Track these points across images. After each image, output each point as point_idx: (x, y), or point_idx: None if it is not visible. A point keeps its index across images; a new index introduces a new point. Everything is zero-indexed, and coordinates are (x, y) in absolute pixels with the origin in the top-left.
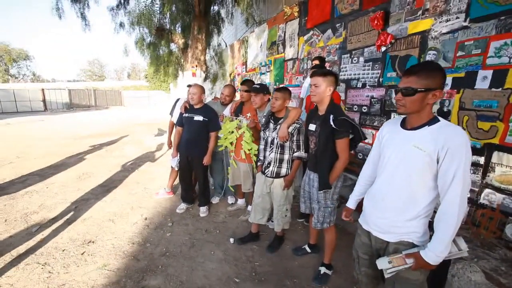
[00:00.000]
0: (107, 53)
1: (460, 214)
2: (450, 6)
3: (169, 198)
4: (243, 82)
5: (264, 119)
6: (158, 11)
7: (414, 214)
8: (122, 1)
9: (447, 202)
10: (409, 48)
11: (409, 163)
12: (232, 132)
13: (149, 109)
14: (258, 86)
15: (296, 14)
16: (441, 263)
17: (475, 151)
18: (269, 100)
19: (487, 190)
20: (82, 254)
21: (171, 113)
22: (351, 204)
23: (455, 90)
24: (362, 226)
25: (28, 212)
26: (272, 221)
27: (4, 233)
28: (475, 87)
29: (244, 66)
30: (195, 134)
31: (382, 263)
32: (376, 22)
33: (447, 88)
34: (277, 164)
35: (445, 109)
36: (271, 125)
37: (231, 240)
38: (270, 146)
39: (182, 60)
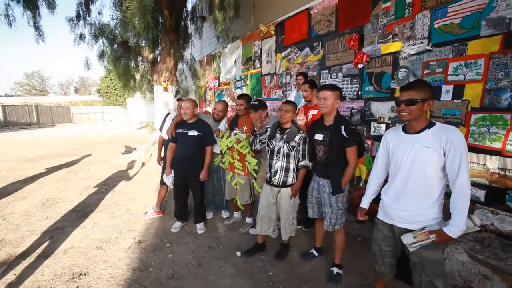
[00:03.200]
0: (48, 65)
1: (469, 193)
2: (415, 32)
3: (159, 217)
4: (240, 97)
5: (269, 129)
6: (120, 24)
7: (433, 201)
8: (82, 12)
9: (459, 185)
10: (383, 66)
11: (422, 160)
12: (231, 147)
13: (105, 125)
14: (256, 103)
15: (272, 32)
16: None
17: None
18: (267, 114)
19: None
20: None
21: (161, 129)
22: (365, 204)
23: None
24: (384, 221)
25: None
26: (274, 231)
27: None
28: (441, 99)
29: (217, 81)
30: (190, 150)
31: (407, 239)
32: (352, 42)
33: None
34: (284, 173)
35: None
36: (278, 135)
37: (238, 253)
38: (277, 155)
39: (151, 75)
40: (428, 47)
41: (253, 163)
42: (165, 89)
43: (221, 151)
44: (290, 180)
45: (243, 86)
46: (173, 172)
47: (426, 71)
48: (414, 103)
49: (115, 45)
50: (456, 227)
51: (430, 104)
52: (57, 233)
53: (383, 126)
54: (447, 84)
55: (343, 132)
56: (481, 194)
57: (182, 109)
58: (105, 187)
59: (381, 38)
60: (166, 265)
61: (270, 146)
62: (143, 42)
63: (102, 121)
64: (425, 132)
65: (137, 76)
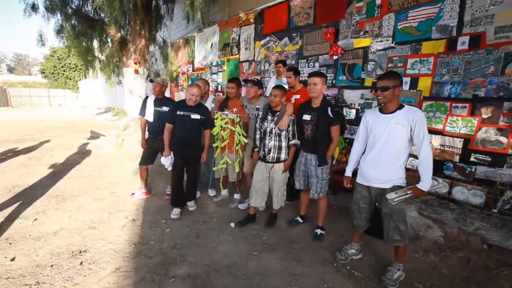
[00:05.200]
0: None
1: (431, 156)
2: (382, 31)
3: (146, 198)
4: (231, 80)
5: (260, 111)
6: None
7: (399, 165)
8: None
9: (424, 151)
10: (355, 59)
11: (394, 134)
12: (224, 129)
13: (54, 110)
14: (255, 80)
15: (252, 20)
16: None
17: None
18: (261, 94)
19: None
20: (80, 264)
21: (142, 113)
22: (349, 173)
23: None
24: (362, 183)
25: None
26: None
27: None
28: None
29: (191, 65)
30: (193, 133)
31: (390, 195)
32: (328, 36)
33: None
34: (277, 151)
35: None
36: (269, 117)
37: (232, 224)
38: (269, 135)
39: (118, 56)
40: (392, 45)
41: (242, 140)
42: (136, 72)
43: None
44: (282, 156)
45: (220, 71)
46: (171, 154)
47: (390, 65)
48: (387, 89)
49: (73, 21)
50: (426, 182)
51: (399, 90)
52: (40, 217)
53: (353, 111)
54: (405, 77)
55: (330, 113)
56: None
57: (189, 94)
58: (78, 172)
59: (354, 33)
60: (166, 238)
61: (263, 127)
62: (109, 19)
63: (49, 105)
64: (397, 112)
65: (102, 57)
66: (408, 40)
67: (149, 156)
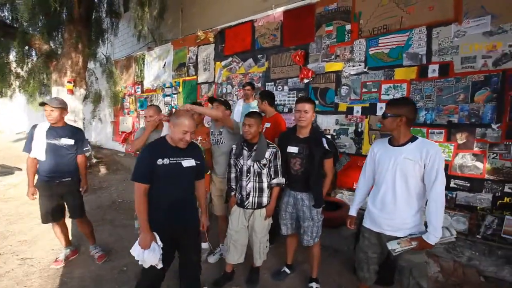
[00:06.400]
0: None
1: (443, 201)
2: (354, 56)
3: (77, 262)
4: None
5: (219, 135)
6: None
7: (416, 209)
8: None
9: (434, 194)
10: (328, 83)
11: (404, 170)
12: None
13: None
14: (222, 100)
15: (211, 39)
16: None
17: None
18: (230, 114)
19: None
20: None
21: (28, 149)
22: (353, 212)
23: (364, 116)
24: (371, 229)
25: None
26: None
27: None
28: (376, 114)
29: (139, 86)
30: (189, 191)
31: (392, 245)
32: (297, 58)
33: (358, 114)
34: (257, 194)
35: (359, 130)
36: (245, 153)
37: None
38: (247, 175)
39: (46, 73)
40: (365, 70)
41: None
42: (70, 92)
43: None
44: (265, 200)
45: (174, 94)
46: (157, 237)
47: (364, 90)
48: (386, 117)
49: None
50: (433, 234)
51: (402, 120)
52: None
53: (328, 137)
54: (381, 102)
55: (325, 145)
56: None
57: (179, 133)
58: None
59: (325, 57)
60: None
61: (238, 165)
62: (33, 28)
63: None
64: (408, 145)
65: (22, 72)
66: (381, 66)
67: (51, 208)
